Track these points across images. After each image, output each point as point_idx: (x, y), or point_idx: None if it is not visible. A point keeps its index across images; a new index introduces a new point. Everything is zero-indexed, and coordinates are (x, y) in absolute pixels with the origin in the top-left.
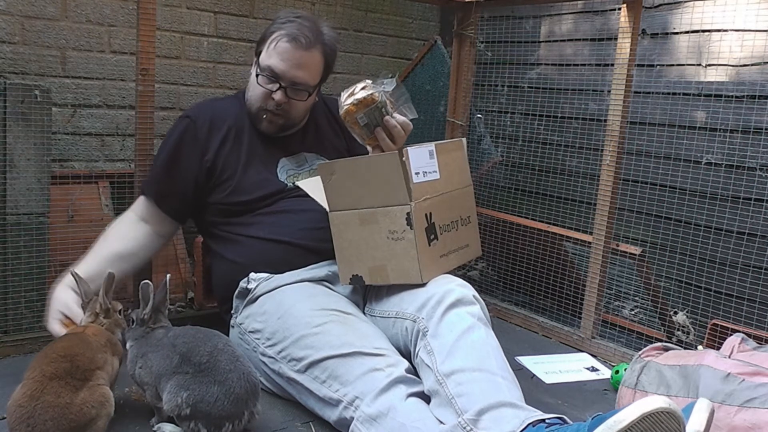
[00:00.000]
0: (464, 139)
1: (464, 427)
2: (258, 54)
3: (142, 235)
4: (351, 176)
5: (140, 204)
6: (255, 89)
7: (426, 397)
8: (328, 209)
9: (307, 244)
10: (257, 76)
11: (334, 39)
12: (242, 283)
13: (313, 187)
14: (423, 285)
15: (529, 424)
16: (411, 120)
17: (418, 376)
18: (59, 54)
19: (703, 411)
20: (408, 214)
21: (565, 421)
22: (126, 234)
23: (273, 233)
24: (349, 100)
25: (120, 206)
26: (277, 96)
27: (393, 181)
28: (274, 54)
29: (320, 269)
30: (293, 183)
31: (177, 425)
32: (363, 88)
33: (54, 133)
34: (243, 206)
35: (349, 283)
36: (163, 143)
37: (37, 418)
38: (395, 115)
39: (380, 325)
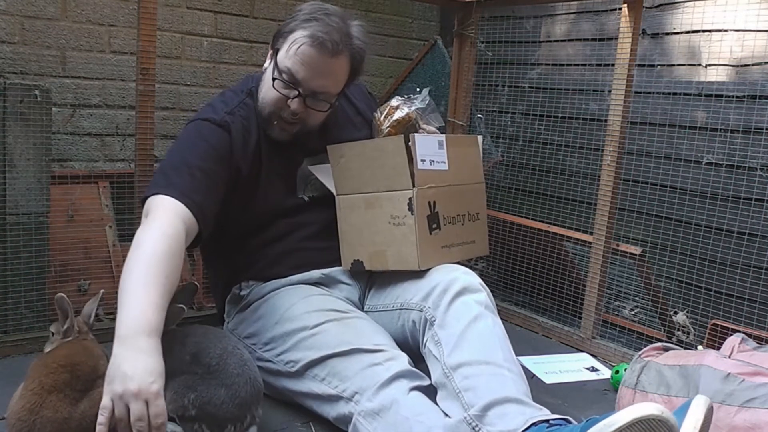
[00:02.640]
0: (480, 137)
1: (469, 423)
2: (276, 51)
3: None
4: (359, 159)
5: (181, 212)
6: (269, 92)
7: (429, 391)
8: (335, 193)
9: (301, 255)
10: (273, 79)
11: (363, 43)
12: (234, 289)
13: (322, 171)
14: (421, 273)
15: (532, 424)
16: (438, 128)
17: (420, 369)
18: (59, 54)
19: (701, 407)
20: (410, 199)
21: (569, 422)
22: (180, 260)
23: (268, 243)
24: (388, 123)
25: (120, 206)
26: (294, 105)
27: (397, 166)
28: (296, 58)
29: (312, 273)
30: (309, 196)
31: (176, 423)
32: (398, 108)
33: (54, 133)
34: (253, 224)
35: (351, 268)
36: (190, 146)
37: None
38: (424, 126)
39: (384, 319)
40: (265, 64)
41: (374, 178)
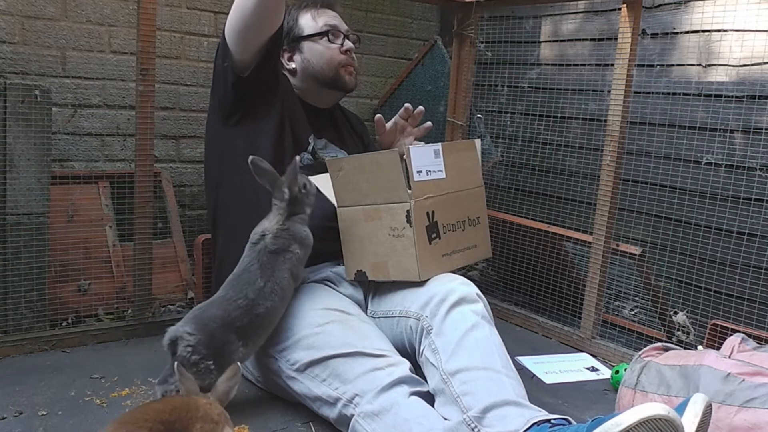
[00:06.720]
0: (478, 141)
1: (469, 424)
2: (296, 39)
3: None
4: (357, 172)
5: None
6: (323, 56)
7: (429, 397)
8: (336, 205)
9: (317, 244)
10: (316, 42)
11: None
12: None
13: (323, 183)
14: (422, 283)
15: (533, 424)
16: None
17: (421, 377)
18: (59, 54)
19: (699, 403)
20: (408, 211)
21: (570, 423)
22: None
23: None
24: None
25: (120, 206)
26: (347, 44)
27: (394, 179)
28: (320, 17)
29: (322, 270)
30: (307, 157)
31: None
32: None
33: (54, 133)
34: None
35: (355, 278)
36: None
37: None
38: None
39: (384, 326)
40: (292, 65)
41: (372, 190)
